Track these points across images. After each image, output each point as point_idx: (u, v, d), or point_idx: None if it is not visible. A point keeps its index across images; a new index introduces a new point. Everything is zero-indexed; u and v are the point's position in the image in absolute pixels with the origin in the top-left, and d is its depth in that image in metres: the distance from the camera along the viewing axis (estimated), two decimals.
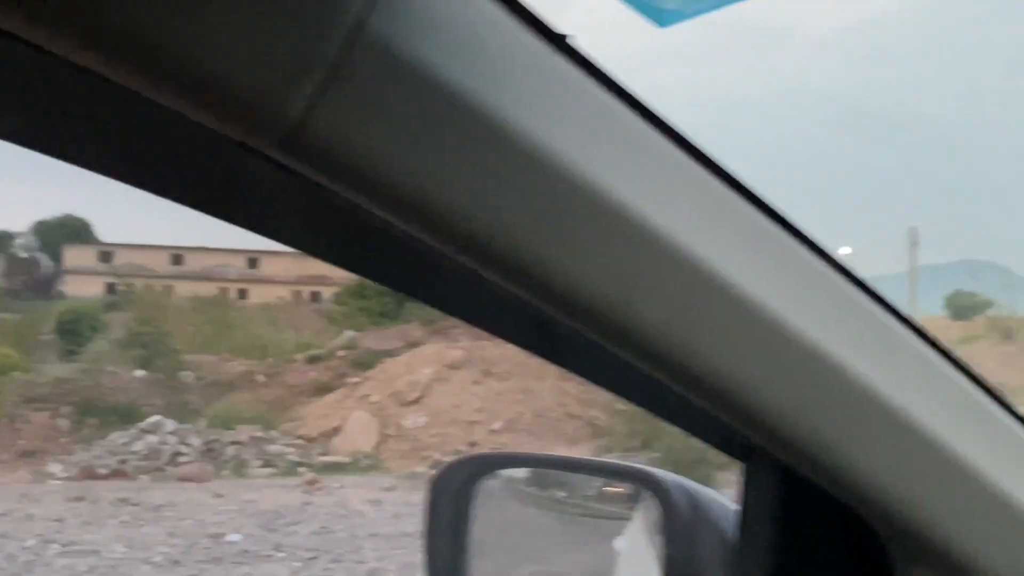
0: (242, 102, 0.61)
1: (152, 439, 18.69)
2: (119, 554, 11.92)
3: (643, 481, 1.32)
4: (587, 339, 0.83)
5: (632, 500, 1.47)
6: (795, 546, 1.11)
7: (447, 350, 21.59)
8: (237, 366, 23.33)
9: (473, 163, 0.69)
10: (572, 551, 1.85)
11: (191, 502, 14.96)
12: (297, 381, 22.55)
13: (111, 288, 36.14)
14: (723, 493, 1.32)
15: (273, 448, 19.19)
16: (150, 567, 11.43)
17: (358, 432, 19.86)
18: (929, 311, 37.27)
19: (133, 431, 18.90)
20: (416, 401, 20.70)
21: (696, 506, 1.24)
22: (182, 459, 18.24)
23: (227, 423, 19.61)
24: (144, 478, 17.34)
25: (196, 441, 18.77)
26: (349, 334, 24.82)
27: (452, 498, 1.46)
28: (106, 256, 42.84)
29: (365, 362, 22.95)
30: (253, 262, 44.65)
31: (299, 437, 19.91)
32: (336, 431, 20.12)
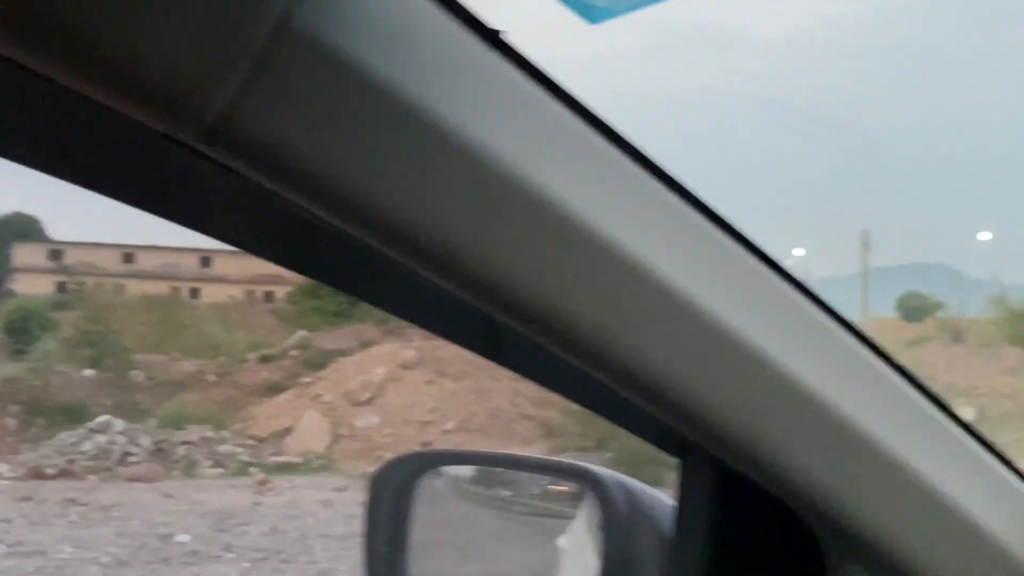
0: (166, 94, 0.61)
1: (101, 439, 18.49)
2: (66, 555, 11.79)
3: (583, 478, 1.33)
4: (529, 339, 0.83)
5: (576, 498, 1.47)
6: (732, 541, 1.12)
7: (401, 350, 21.53)
8: (188, 366, 23.15)
9: (403, 158, 0.69)
10: (517, 550, 1.86)
11: (140, 502, 14.83)
12: (249, 381, 22.41)
13: (61, 287, 35.67)
14: (666, 491, 1.33)
15: (224, 448, 19.05)
16: (97, 568, 11.32)
17: (310, 432, 19.76)
18: (881, 313, 37.67)
19: (82, 431, 18.69)
20: (369, 401, 20.64)
21: (635, 502, 1.25)
22: (131, 459, 18.06)
23: (177, 423, 19.45)
24: (93, 478, 17.15)
25: (146, 441, 18.59)
26: (302, 334, 24.70)
27: (392, 495, 1.46)
28: (56, 254, 42.27)
29: (318, 362, 22.86)
30: (206, 261, 44.26)
31: (250, 437, 19.79)
32: (288, 431, 20.01)
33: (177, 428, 19.26)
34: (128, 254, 42.71)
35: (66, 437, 18.55)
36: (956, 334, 25.44)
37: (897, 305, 38.86)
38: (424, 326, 1.10)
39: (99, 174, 0.86)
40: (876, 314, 37.20)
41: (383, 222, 0.70)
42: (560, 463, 1.52)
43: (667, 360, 0.82)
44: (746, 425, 0.87)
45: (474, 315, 0.82)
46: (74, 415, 19.51)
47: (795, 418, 0.89)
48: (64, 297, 32.74)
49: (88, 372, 21.77)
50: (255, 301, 38.35)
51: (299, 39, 0.62)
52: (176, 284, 39.80)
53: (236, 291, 39.42)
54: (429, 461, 1.60)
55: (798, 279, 0.92)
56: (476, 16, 0.73)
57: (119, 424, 18.98)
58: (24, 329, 25.24)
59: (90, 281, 33.05)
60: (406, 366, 21.16)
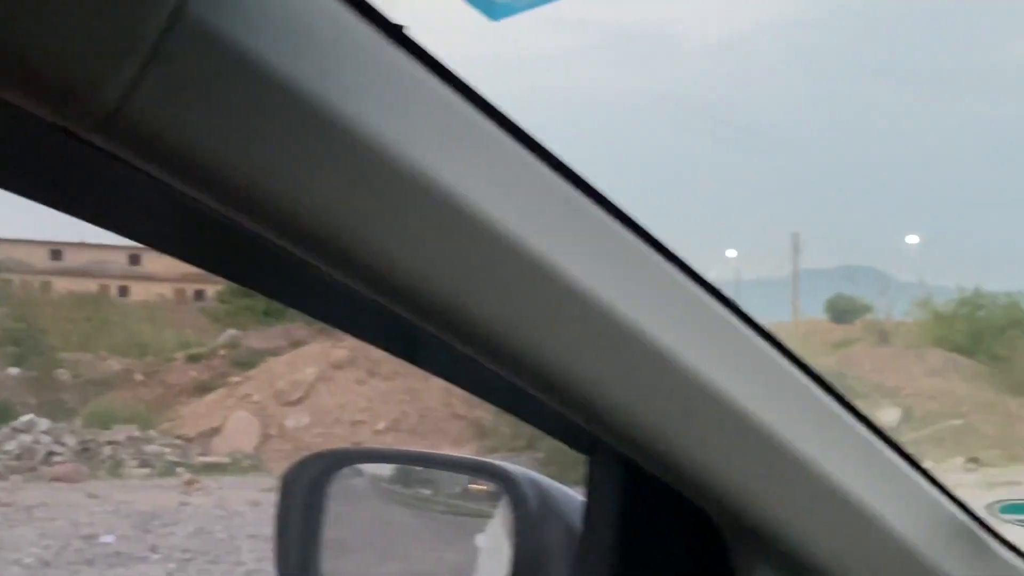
0: (58, 85, 0.60)
1: (25, 438, 18.16)
2: None
3: (495, 476, 1.33)
4: (440, 338, 0.83)
5: (495, 497, 1.48)
6: (639, 537, 1.13)
7: (332, 349, 21.38)
8: (115, 364, 22.82)
9: (298, 151, 0.68)
10: (435, 549, 1.85)
11: (64, 503, 14.60)
12: (177, 380, 22.15)
13: None
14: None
15: (151, 448, 18.80)
16: (20, 569, 11.13)
17: (238, 432, 19.58)
18: (811, 314, 38.13)
19: (5, 430, 18.34)
20: (299, 401, 20.49)
21: (545, 499, 1.25)
22: (56, 459, 17.76)
23: (104, 422, 19.16)
24: (16, 478, 16.84)
25: (71, 440, 18.30)
26: (231, 333, 24.46)
27: (304, 494, 1.45)
28: None
29: (247, 361, 22.65)
30: (135, 259, 43.62)
31: (178, 437, 19.54)
32: (216, 431, 19.80)
33: (103, 427, 18.98)
34: (56, 251, 41.99)
35: None
36: (882, 336, 25.84)
37: (826, 307, 39.35)
38: (338, 326, 1.10)
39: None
40: (806, 316, 37.69)
41: (278, 215, 0.70)
42: (472, 461, 1.52)
43: (570, 357, 0.83)
44: (649, 422, 0.88)
45: (387, 315, 0.82)
46: None
47: (698, 416, 0.89)
48: None
49: (12, 371, 21.39)
50: (185, 300, 37.90)
51: (194, 30, 0.62)
52: (104, 282, 39.20)
53: (166, 289, 38.92)
54: (341, 459, 1.60)
55: (705, 279, 0.93)
56: (377, 10, 0.73)
57: (44, 423, 18.66)
58: None
59: (15, 278, 32.44)
60: (337, 366, 21.04)
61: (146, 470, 18.09)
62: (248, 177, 0.67)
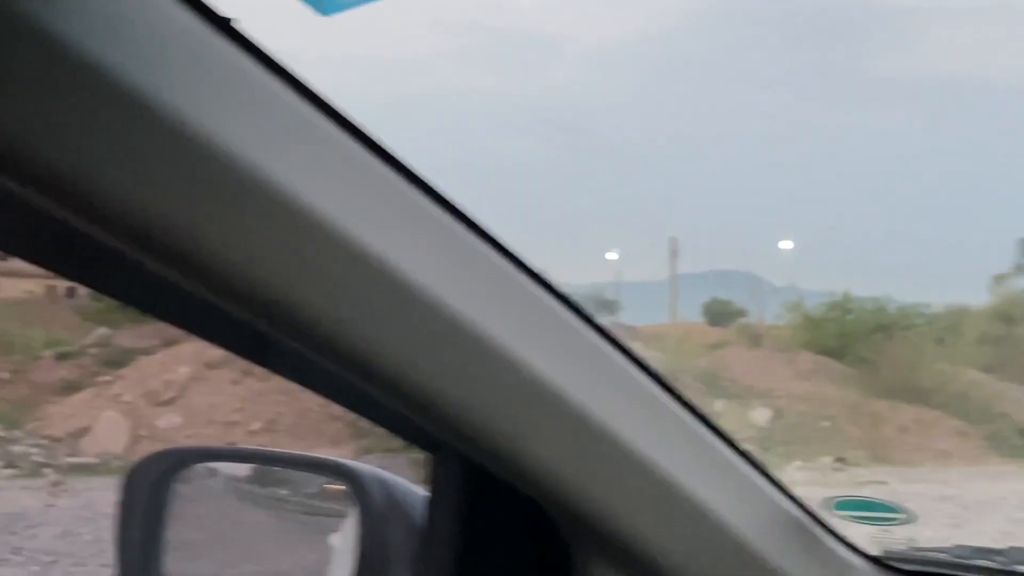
0: None
1: None
2: None
3: (339, 474, 1.33)
4: (286, 342, 0.83)
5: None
6: (481, 535, 1.14)
7: (206, 349, 20.94)
8: None
9: (124, 145, 0.67)
10: (291, 549, 1.84)
11: None
12: (44, 379, 21.48)
13: None
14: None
15: (16, 448, 18.23)
16: None
17: (108, 433, 19.10)
18: (689, 317, 38.73)
19: None
20: (171, 401, 20.08)
21: (390, 497, 1.26)
22: None
23: None
24: None
25: None
26: (103, 331, 23.84)
27: (148, 494, 1.43)
28: None
29: (118, 360, 22.09)
30: (2, 255, 42.34)
31: (44, 437, 18.97)
32: (85, 431, 19.28)
33: None
34: None
35: None
36: (755, 339, 26.35)
37: (703, 310, 40.02)
38: (181, 326, 1.08)
39: None
40: (684, 318, 38.27)
41: (104, 211, 0.69)
42: (319, 460, 1.51)
43: (404, 356, 0.83)
44: (486, 420, 0.89)
45: (234, 317, 0.81)
46: None
47: (534, 413, 0.90)
48: None
49: None
50: (56, 297, 36.86)
51: (17, 23, 0.61)
52: None
53: (35, 286, 37.84)
54: (185, 458, 1.57)
55: (544, 278, 0.94)
56: (206, 3, 0.72)
57: None
58: None
59: None
60: (211, 365, 20.65)
61: (11, 471, 17.54)
62: (70, 170, 0.66)
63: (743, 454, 1.12)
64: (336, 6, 0.76)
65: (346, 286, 0.78)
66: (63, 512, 14.06)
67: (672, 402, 1.05)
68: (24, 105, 0.63)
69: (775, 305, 31.00)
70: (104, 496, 15.94)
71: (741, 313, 35.93)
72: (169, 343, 22.39)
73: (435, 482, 1.17)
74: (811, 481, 16.16)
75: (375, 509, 1.25)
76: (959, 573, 1.38)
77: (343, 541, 1.52)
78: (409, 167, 0.84)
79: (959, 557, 1.41)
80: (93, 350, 22.74)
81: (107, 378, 21.22)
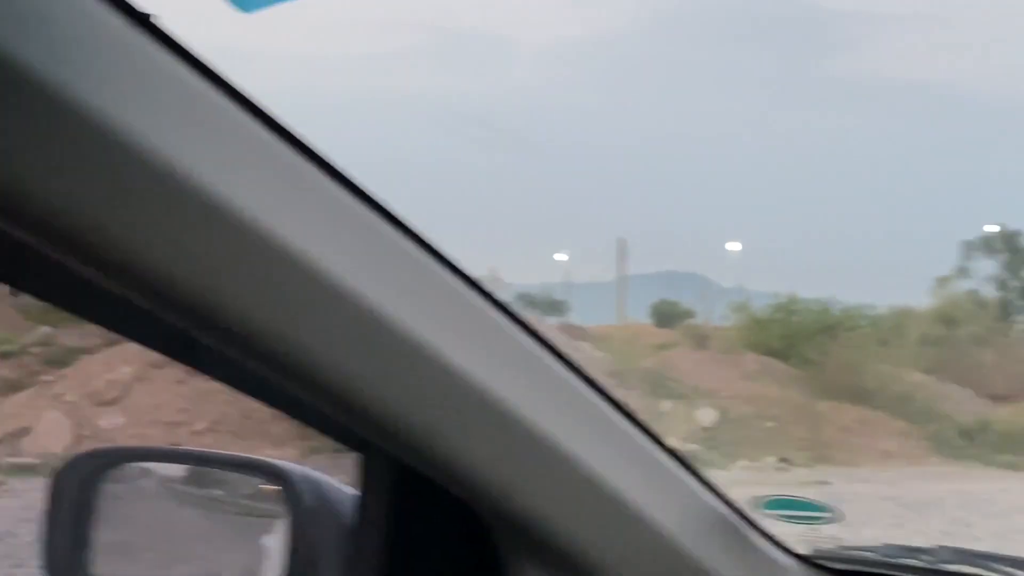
0: None
1: None
2: None
3: (269, 474, 1.32)
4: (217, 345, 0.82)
5: None
6: (412, 535, 1.14)
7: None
8: None
9: (36, 140, 0.66)
10: (225, 551, 1.82)
11: None
12: None
13: None
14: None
15: None
16: None
17: (50, 433, 18.86)
18: (637, 318, 38.91)
19: None
20: (114, 401, 19.87)
21: (321, 497, 1.25)
22: None
23: None
24: None
25: None
26: (45, 330, 23.53)
27: (75, 494, 1.41)
28: None
29: (61, 359, 21.82)
30: None
31: None
32: (26, 431, 19.04)
33: None
34: None
35: None
36: (702, 340, 26.51)
37: (651, 311, 40.22)
38: (107, 327, 1.07)
39: None
40: (632, 319, 38.45)
41: (21, 209, 0.68)
42: (249, 460, 1.50)
43: (331, 356, 0.82)
44: (408, 420, 0.88)
45: (160, 319, 0.80)
46: None
47: (461, 414, 0.90)
48: None
49: None
50: None
51: None
52: None
53: None
54: (114, 458, 1.55)
55: (474, 279, 0.94)
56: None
57: None
58: None
59: None
60: (155, 365, 20.43)
61: None
62: None
63: (673, 454, 1.13)
64: (257, 3, 0.75)
65: (267, 285, 0.77)
66: (3, 513, 13.84)
67: (602, 402, 1.06)
68: None
69: (723, 306, 31.23)
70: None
71: (689, 314, 36.18)
72: (112, 342, 22.12)
73: (365, 482, 1.17)
74: (755, 481, 16.29)
75: (305, 509, 1.24)
76: (887, 571, 1.39)
77: (276, 542, 1.51)
78: (333, 164, 0.83)
79: (887, 556, 1.42)
80: (35, 349, 22.44)
81: (49, 378, 20.96)
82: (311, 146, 0.82)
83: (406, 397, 0.87)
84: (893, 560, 1.42)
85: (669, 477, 1.11)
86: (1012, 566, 1.35)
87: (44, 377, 21.08)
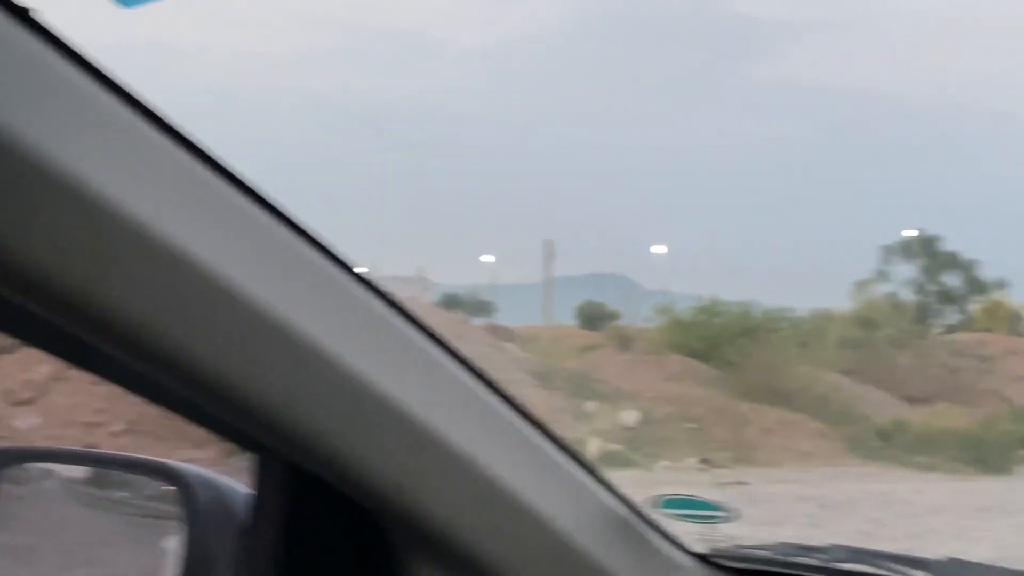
0: None
1: None
2: None
3: (164, 476, 1.31)
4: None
5: None
6: (306, 536, 1.13)
7: None
8: None
9: None
10: (127, 553, 1.80)
11: None
12: None
13: None
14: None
15: None
16: None
17: None
18: (564, 320, 39.06)
19: None
20: (30, 401, 19.48)
21: (217, 497, 1.25)
22: None
23: None
24: None
25: None
26: None
27: None
28: None
29: None
30: None
31: None
32: None
33: None
34: None
35: None
36: (625, 342, 26.66)
37: (577, 313, 40.40)
38: (9, 333, 1.05)
39: None
40: (558, 321, 38.61)
41: None
42: (145, 461, 1.48)
43: (216, 357, 0.82)
44: (296, 420, 0.88)
45: (44, 319, 0.79)
46: None
47: (350, 414, 0.90)
48: None
49: None
50: None
51: None
52: None
53: None
54: (9, 458, 1.53)
55: (366, 279, 0.94)
56: None
57: None
58: None
59: None
60: None
61: None
62: None
63: (571, 454, 1.14)
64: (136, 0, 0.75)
65: (148, 282, 0.76)
66: None
67: (498, 402, 1.06)
68: None
69: (647, 308, 31.44)
70: None
71: (614, 316, 36.40)
72: None
73: (260, 483, 1.16)
74: (676, 481, 16.43)
75: (201, 511, 1.23)
76: (781, 569, 1.42)
77: (176, 543, 1.50)
78: (220, 162, 0.83)
79: (782, 554, 1.45)
80: None
81: None
82: (201, 145, 0.81)
83: (291, 396, 0.86)
84: (788, 558, 1.45)
85: (566, 477, 1.11)
86: (903, 564, 1.38)
87: None
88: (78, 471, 1.73)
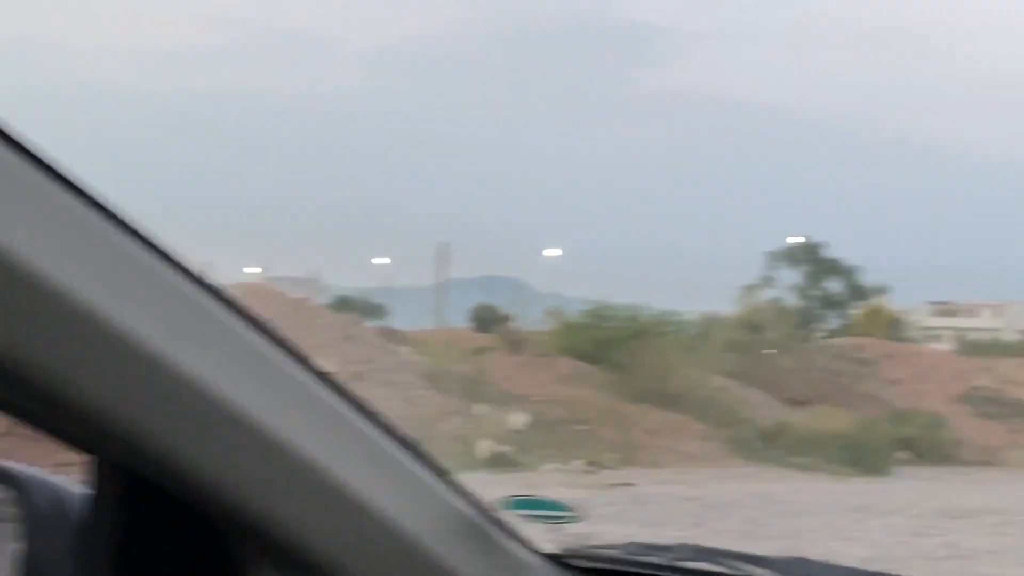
0: None
1: None
2: None
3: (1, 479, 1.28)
4: None
5: None
6: (143, 539, 1.11)
7: None
8: None
9: None
10: None
11: None
12: None
13: None
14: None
15: None
16: None
17: None
18: (457, 322, 39.05)
19: None
20: None
21: (54, 499, 1.23)
22: None
23: None
24: None
25: None
26: None
27: None
28: None
29: None
30: None
31: None
32: None
33: None
34: None
35: None
36: (516, 344, 26.74)
37: (469, 315, 40.43)
38: None
39: None
40: (452, 323, 38.57)
41: None
42: None
43: (45, 357, 0.80)
44: (126, 423, 0.86)
45: None
46: None
47: (180, 414, 0.89)
48: None
49: None
50: None
51: None
52: None
53: None
54: None
55: (200, 277, 0.92)
56: None
57: None
58: None
59: None
60: None
61: None
62: None
63: (420, 455, 1.13)
64: None
65: None
66: None
67: (341, 403, 1.05)
68: None
69: (539, 311, 31.60)
70: None
71: (506, 318, 36.49)
72: None
73: (97, 485, 1.14)
74: (564, 483, 16.55)
75: (37, 513, 1.21)
76: (629, 568, 1.43)
77: (12, 546, 1.47)
78: (64, 173, 0.81)
79: (631, 553, 1.47)
80: None
81: None
82: (39, 153, 0.80)
83: (113, 395, 0.85)
84: (636, 557, 1.47)
85: (412, 478, 1.11)
86: (747, 562, 1.41)
87: None
88: None
